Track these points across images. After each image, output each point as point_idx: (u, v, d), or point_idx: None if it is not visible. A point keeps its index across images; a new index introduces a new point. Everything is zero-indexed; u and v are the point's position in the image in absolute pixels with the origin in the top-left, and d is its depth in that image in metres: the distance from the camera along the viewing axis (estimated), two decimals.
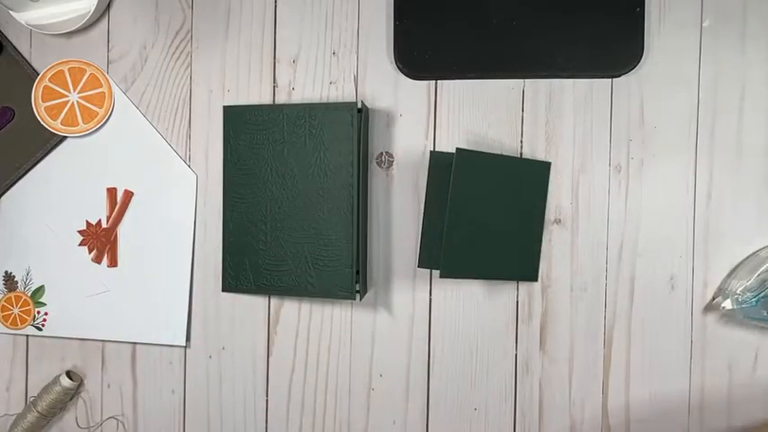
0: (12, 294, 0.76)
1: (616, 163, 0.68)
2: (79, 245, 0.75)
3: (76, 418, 0.76)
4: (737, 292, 0.65)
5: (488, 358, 0.70)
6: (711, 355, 0.68)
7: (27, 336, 0.77)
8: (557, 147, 0.69)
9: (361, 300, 0.70)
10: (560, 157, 0.69)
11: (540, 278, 0.69)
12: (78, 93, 0.73)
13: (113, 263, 0.74)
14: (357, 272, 0.67)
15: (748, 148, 0.67)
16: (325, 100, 0.71)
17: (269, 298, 0.73)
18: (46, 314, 0.76)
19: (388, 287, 0.71)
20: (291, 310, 0.73)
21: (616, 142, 0.68)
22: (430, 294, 0.71)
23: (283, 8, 0.71)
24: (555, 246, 0.69)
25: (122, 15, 0.73)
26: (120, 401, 0.76)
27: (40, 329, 0.76)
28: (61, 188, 0.75)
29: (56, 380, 0.74)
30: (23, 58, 0.74)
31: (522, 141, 0.69)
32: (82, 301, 0.75)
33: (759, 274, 0.65)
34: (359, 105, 0.68)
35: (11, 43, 0.74)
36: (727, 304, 0.65)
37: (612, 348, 0.69)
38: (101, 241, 0.74)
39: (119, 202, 0.74)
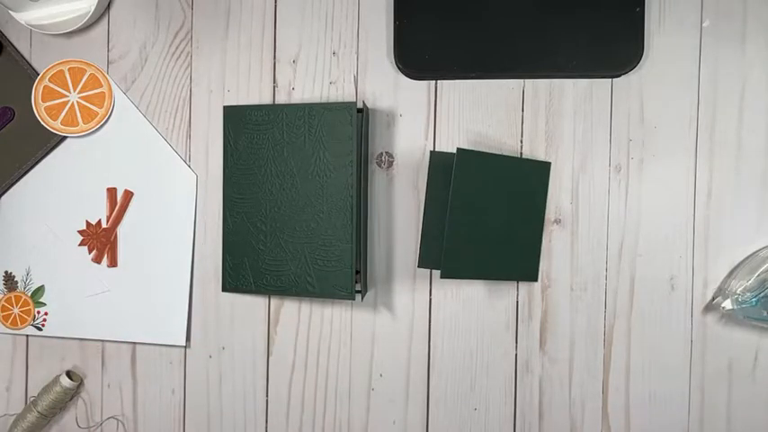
0: (12, 294, 0.76)
1: (616, 163, 0.68)
2: (79, 245, 0.75)
3: (76, 418, 0.76)
4: (737, 292, 0.65)
5: (488, 358, 0.70)
6: (711, 355, 0.68)
7: (27, 336, 0.77)
8: (557, 147, 0.69)
9: (362, 300, 0.70)
10: (560, 157, 0.69)
11: (540, 278, 0.69)
12: (78, 93, 0.73)
13: (113, 263, 0.74)
14: (357, 272, 0.67)
15: (748, 149, 0.67)
16: (325, 100, 0.71)
17: (269, 298, 0.73)
18: (46, 314, 0.76)
19: (389, 287, 0.71)
20: (291, 310, 0.73)
21: (616, 142, 0.68)
22: (430, 294, 0.71)
23: (283, 8, 0.71)
24: (555, 246, 0.69)
25: (122, 15, 0.74)
26: (120, 401, 0.76)
27: (40, 329, 0.76)
28: (61, 188, 0.75)
29: (56, 380, 0.74)
30: (23, 58, 0.74)
31: (522, 141, 0.69)
32: (82, 301, 0.75)
33: (759, 274, 0.65)
34: (359, 105, 0.68)
35: (11, 43, 0.74)
36: (727, 304, 0.65)
37: (612, 348, 0.69)
38: (101, 241, 0.74)
39: (119, 202, 0.74)
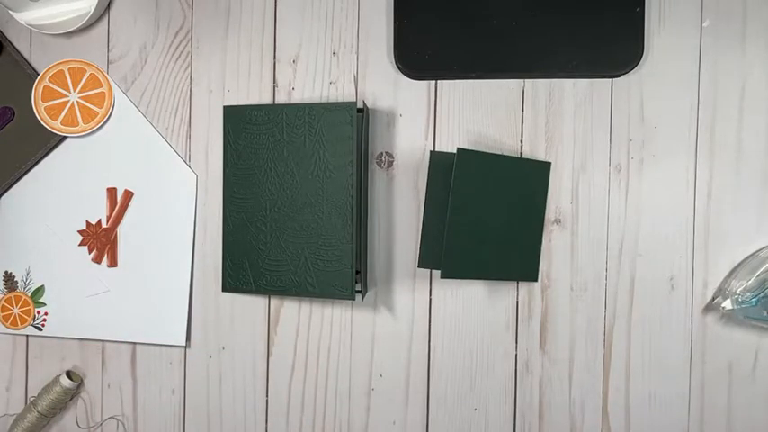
0: (12, 294, 0.76)
1: (616, 163, 0.68)
2: (79, 245, 0.75)
3: (76, 418, 0.76)
4: (737, 292, 0.65)
5: (488, 358, 0.70)
6: (711, 355, 0.68)
7: (27, 336, 0.77)
8: (557, 147, 0.69)
9: (362, 300, 0.70)
10: (560, 157, 0.69)
11: (540, 278, 0.69)
12: (78, 93, 0.73)
13: (113, 263, 0.74)
14: (357, 272, 0.67)
15: (748, 148, 0.67)
16: (325, 100, 0.71)
17: (269, 298, 0.73)
18: (46, 314, 0.76)
19: (389, 287, 0.71)
20: (291, 310, 0.73)
21: (616, 142, 0.68)
22: (430, 294, 0.71)
23: (283, 8, 0.72)
24: (555, 246, 0.69)
25: (122, 15, 0.74)
26: (120, 401, 0.76)
27: (40, 329, 0.76)
28: (61, 188, 0.75)
29: (56, 380, 0.74)
30: (23, 58, 0.74)
31: (522, 141, 0.69)
32: (82, 301, 0.75)
33: (759, 274, 0.65)
34: (360, 105, 0.68)
35: (11, 43, 0.74)
36: (727, 304, 0.65)
37: (612, 348, 0.69)
38: (101, 241, 0.74)
39: (119, 202, 0.74)
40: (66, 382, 0.73)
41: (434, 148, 0.70)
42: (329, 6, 0.71)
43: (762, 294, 0.64)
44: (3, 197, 0.76)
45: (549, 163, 0.68)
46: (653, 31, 0.67)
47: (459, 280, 0.70)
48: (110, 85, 0.73)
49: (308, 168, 0.67)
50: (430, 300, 0.71)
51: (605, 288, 0.69)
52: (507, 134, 0.69)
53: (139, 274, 0.74)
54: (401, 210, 0.71)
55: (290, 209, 0.68)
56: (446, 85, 0.70)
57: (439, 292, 0.71)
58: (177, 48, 0.73)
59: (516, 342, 0.70)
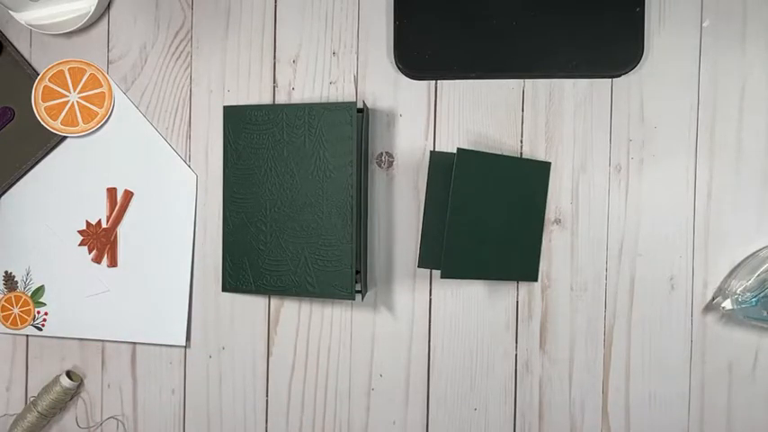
0: (12, 294, 0.76)
1: (616, 163, 0.68)
2: (79, 245, 0.75)
3: (76, 418, 0.76)
4: (737, 292, 0.65)
5: (488, 358, 0.70)
6: (711, 355, 0.68)
7: (27, 336, 0.77)
8: (557, 147, 0.69)
9: (362, 300, 0.70)
10: (560, 157, 0.69)
11: (540, 278, 0.69)
12: (78, 93, 0.73)
13: (113, 263, 0.74)
14: (357, 272, 0.67)
15: (748, 148, 0.67)
16: (325, 100, 0.71)
17: (269, 298, 0.73)
18: (46, 314, 0.76)
19: (389, 287, 0.71)
20: (291, 310, 0.73)
21: (616, 142, 0.68)
22: (430, 294, 0.71)
23: (283, 8, 0.72)
24: (555, 246, 0.69)
25: (122, 15, 0.74)
26: (120, 401, 0.76)
27: (40, 329, 0.76)
28: (61, 188, 0.75)
29: (56, 380, 0.74)
30: (23, 58, 0.74)
31: (522, 141, 0.69)
32: (82, 301, 0.75)
33: (759, 274, 0.65)
34: (360, 105, 0.68)
35: (11, 43, 0.74)
36: (727, 304, 0.65)
37: (612, 348, 0.69)
38: (101, 241, 0.74)
39: (119, 202, 0.74)
40: (66, 382, 0.73)
41: (434, 148, 0.70)
42: (329, 6, 0.71)
43: (762, 294, 0.64)
44: (3, 197, 0.76)
45: (549, 163, 0.68)
46: (653, 31, 0.67)
47: (459, 280, 0.70)
48: (110, 85, 0.73)
49: (308, 168, 0.67)
50: (430, 300, 0.71)
51: (605, 288, 0.69)
52: (507, 134, 0.69)
53: (139, 274, 0.74)
54: (401, 210, 0.71)
55: (290, 209, 0.68)
56: (446, 85, 0.70)
57: (439, 292, 0.71)
58: (177, 48, 0.73)
59: (516, 342, 0.70)
